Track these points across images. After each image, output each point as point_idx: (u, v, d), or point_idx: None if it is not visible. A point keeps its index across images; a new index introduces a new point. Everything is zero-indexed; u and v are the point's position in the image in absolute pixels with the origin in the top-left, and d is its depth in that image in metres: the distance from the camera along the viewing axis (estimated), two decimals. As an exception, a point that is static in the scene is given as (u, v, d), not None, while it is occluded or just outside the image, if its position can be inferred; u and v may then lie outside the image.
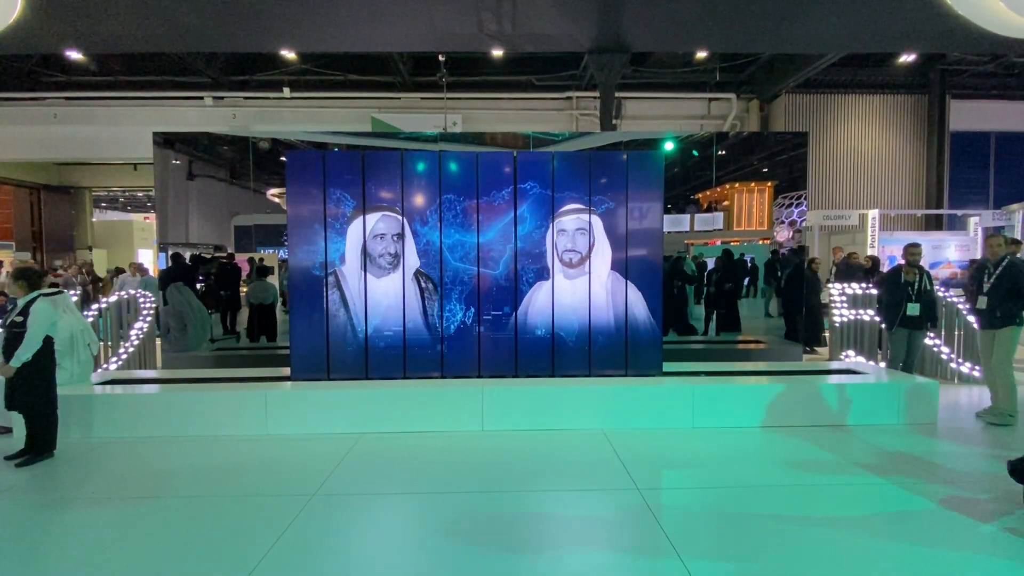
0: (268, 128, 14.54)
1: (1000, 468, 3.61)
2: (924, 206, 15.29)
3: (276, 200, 7.57)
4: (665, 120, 15.21)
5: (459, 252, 5.60)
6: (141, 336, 7.36)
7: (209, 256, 7.58)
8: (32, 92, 14.89)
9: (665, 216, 6.11)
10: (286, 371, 5.71)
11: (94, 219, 21.60)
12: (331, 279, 5.51)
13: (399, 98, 15.19)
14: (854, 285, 7.50)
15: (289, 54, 12.85)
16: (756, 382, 5.49)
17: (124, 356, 7.10)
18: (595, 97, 14.02)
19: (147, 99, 15.03)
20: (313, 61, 14.12)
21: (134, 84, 14.83)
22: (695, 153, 7.90)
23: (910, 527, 3.29)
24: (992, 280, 5.34)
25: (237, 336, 7.62)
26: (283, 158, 6.59)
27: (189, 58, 13.07)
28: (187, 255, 7.42)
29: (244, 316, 7.65)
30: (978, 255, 12.47)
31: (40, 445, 4.41)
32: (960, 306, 7.13)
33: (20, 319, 4.36)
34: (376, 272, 5.56)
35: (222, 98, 15.11)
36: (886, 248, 13.00)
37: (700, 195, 7.97)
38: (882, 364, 6.65)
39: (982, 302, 5.42)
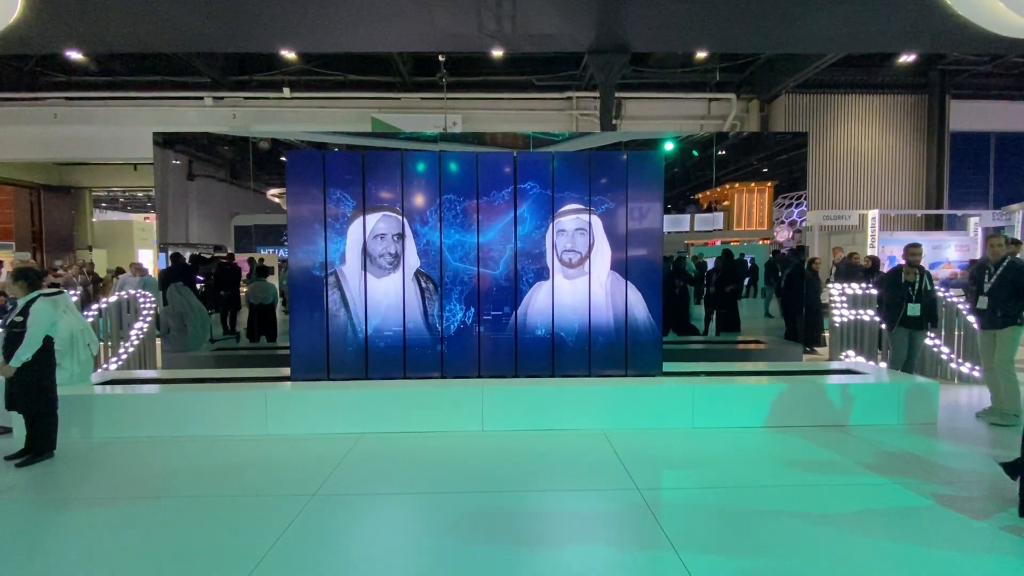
0: (268, 128, 14.54)
1: (1000, 468, 3.62)
2: (924, 206, 15.29)
3: (276, 200, 7.58)
4: (665, 120, 15.21)
5: (459, 252, 5.60)
6: (141, 336, 7.37)
7: (209, 256, 7.58)
8: (32, 92, 14.89)
9: (665, 216, 6.12)
10: (286, 371, 5.71)
11: (94, 219, 21.60)
12: (331, 279, 5.51)
13: (399, 98, 15.19)
14: (854, 285, 7.50)
15: (289, 54, 12.85)
16: (756, 382, 5.49)
17: (124, 356, 7.11)
18: (595, 97, 14.03)
19: (147, 99, 15.04)
20: (313, 61, 14.12)
21: (134, 84, 14.83)
22: (695, 153, 7.90)
23: (909, 526, 3.29)
24: (993, 280, 5.34)
25: (237, 336, 7.62)
26: (283, 158, 6.59)
27: (189, 58, 13.08)
28: (187, 255, 7.42)
29: (244, 316, 7.65)
30: (978, 255, 12.48)
31: (40, 445, 4.41)
32: (960, 306, 7.13)
33: (20, 319, 4.36)
34: (376, 272, 5.56)
35: (222, 98, 15.11)
36: (886, 248, 13.01)
37: (700, 195, 7.97)
38: (882, 364, 6.65)
39: (983, 302, 5.43)
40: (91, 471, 4.23)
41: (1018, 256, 5.49)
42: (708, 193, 7.94)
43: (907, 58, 13.54)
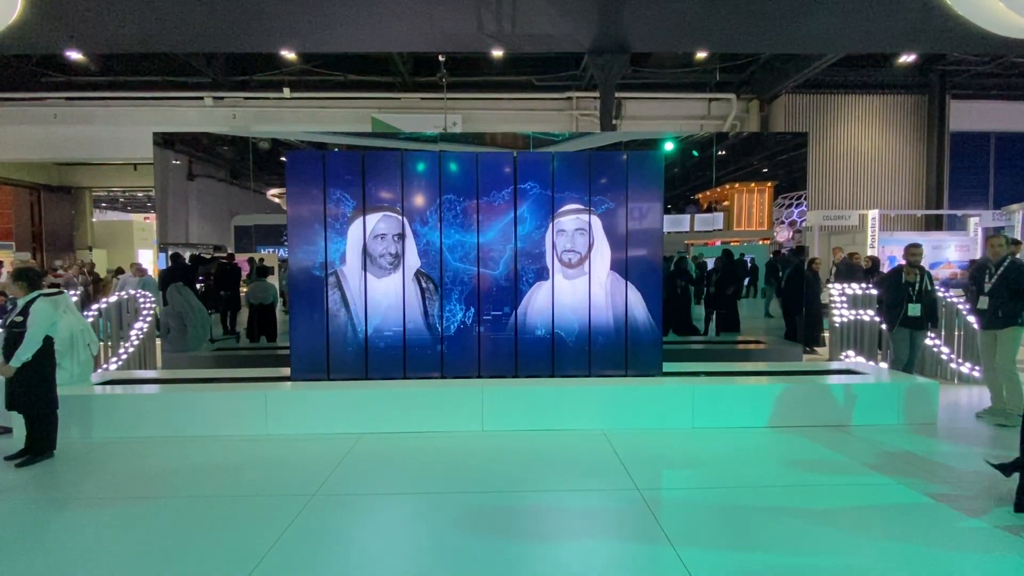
0: (268, 128, 14.54)
1: (993, 468, 3.63)
2: (924, 206, 15.29)
3: (276, 200, 7.58)
4: (665, 120, 15.21)
5: (459, 252, 5.60)
6: (141, 336, 7.37)
7: (209, 256, 7.58)
8: (32, 92, 14.89)
9: (665, 216, 6.12)
10: (286, 371, 5.71)
11: (94, 219, 21.61)
12: (331, 279, 5.51)
13: (399, 98, 15.19)
14: (854, 285, 7.50)
15: (289, 54, 12.84)
16: (756, 382, 5.49)
17: (124, 356, 7.11)
18: (595, 97, 14.02)
19: (147, 99, 15.04)
20: (313, 61, 14.12)
21: (134, 84, 14.83)
22: (695, 153, 7.90)
23: (909, 525, 3.29)
24: (994, 280, 5.35)
25: (237, 336, 7.62)
26: (283, 158, 6.59)
27: (189, 58, 13.07)
28: (187, 255, 7.42)
29: (244, 316, 7.65)
30: (978, 255, 12.48)
31: (40, 445, 4.41)
32: (960, 306, 7.13)
33: (20, 319, 4.36)
34: (376, 272, 5.56)
35: (222, 98, 15.11)
36: (886, 248, 13.01)
37: (700, 195, 7.97)
38: (883, 364, 6.65)
39: (983, 302, 5.43)
40: (91, 471, 4.23)
41: (1018, 256, 5.49)
42: (708, 193, 7.94)
43: (907, 58, 13.53)
